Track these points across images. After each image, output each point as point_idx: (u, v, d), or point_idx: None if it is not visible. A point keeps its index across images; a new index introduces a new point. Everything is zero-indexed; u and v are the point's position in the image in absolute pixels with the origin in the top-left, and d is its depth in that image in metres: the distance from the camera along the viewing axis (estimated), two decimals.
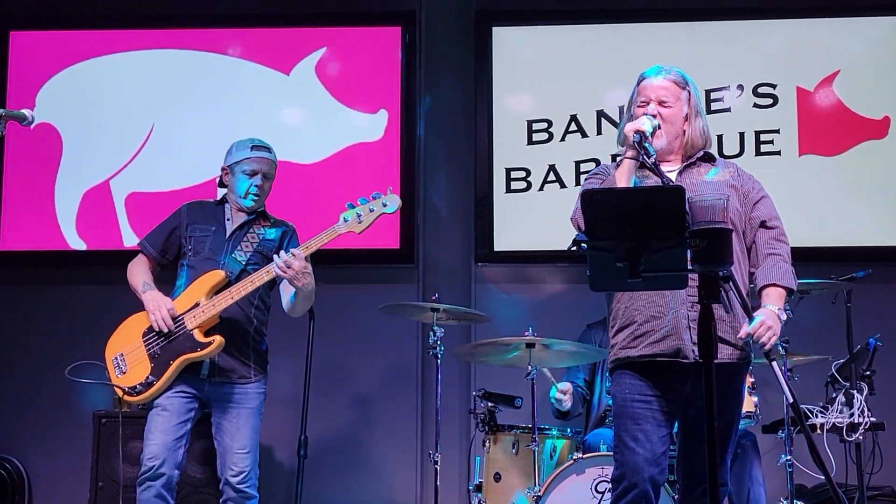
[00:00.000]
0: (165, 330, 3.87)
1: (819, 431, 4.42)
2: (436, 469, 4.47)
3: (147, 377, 3.89)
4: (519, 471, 4.32)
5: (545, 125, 5.72)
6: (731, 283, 2.73)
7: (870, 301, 5.06)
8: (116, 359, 3.98)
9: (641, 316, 3.21)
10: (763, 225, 3.32)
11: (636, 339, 3.21)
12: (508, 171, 5.70)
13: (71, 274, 5.75)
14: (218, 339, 3.86)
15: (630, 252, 2.48)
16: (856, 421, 4.38)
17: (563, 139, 5.70)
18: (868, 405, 4.42)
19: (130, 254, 5.05)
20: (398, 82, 5.78)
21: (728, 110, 5.65)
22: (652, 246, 2.48)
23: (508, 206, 5.67)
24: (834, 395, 4.52)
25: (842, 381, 4.52)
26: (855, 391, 4.44)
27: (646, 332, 3.19)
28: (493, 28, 5.80)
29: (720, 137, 5.57)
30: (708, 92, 5.62)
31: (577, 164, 5.66)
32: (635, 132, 3.19)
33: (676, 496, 3.40)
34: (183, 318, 3.90)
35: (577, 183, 5.53)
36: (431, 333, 4.57)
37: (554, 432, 4.44)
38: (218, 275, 3.95)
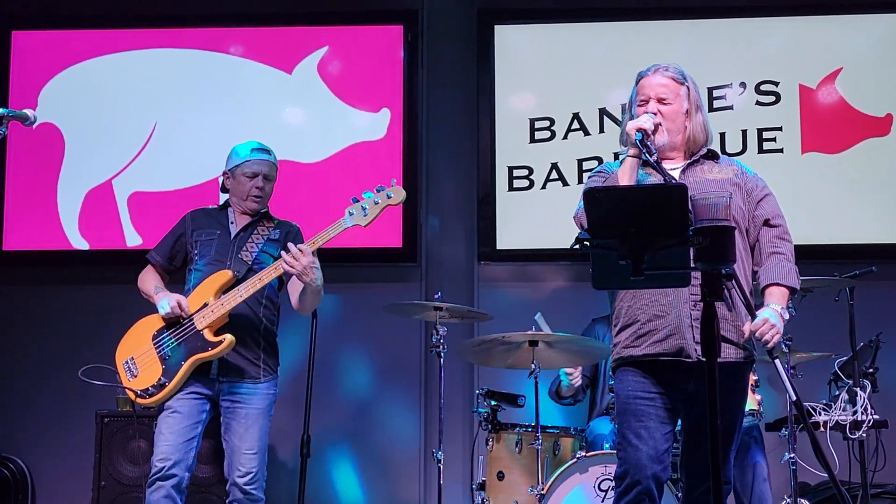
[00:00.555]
0: (178, 312, 3.88)
1: (822, 429, 4.42)
2: (439, 468, 4.47)
3: (159, 379, 3.90)
4: (522, 469, 4.33)
5: (547, 123, 5.72)
6: (733, 281, 2.72)
7: (873, 298, 5.06)
8: (127, 362, 4.00)
9: (644, 315, 3.21)
10: (766, 223, 3.32)
11: (639, 339, 3.21)
12: (511, 169, 5.70)
13: (74, 274, 5.75)
14: (228, 338, 3.87)
15: (633, 250, 2.47)
16: (859, 418, 4.38)
17: (565, 137, 5.70)
18: (871, 403, 4.42)
19: (133, 253, 5.08)
20: (400, 81, 5.77)
21: (730, 108, 5.64)
22: (655, 244, 2.47)
23: (511, 205, 5.67)
24: (837, 392, 4.51)
25: (845, 379, 4.52)
26: (858, 389, 4.44)
27: (648, 331, 3.19)
28: (496, 26, 5.80)
29: (723, 135, 5.57)
30: (710, 90, 5.62)
31: (580, 162, 5.65)
32: (637, 130, 3.19)
33: (680, 494, 3.40)
34: (192, 319, 3.91)
35: (580, 181, 5.53)
36: (434, 332, 4.57)
37: (557, 431, 4.45)
38: (225, 274, 3.96)
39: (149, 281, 4.15)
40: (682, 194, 2.50)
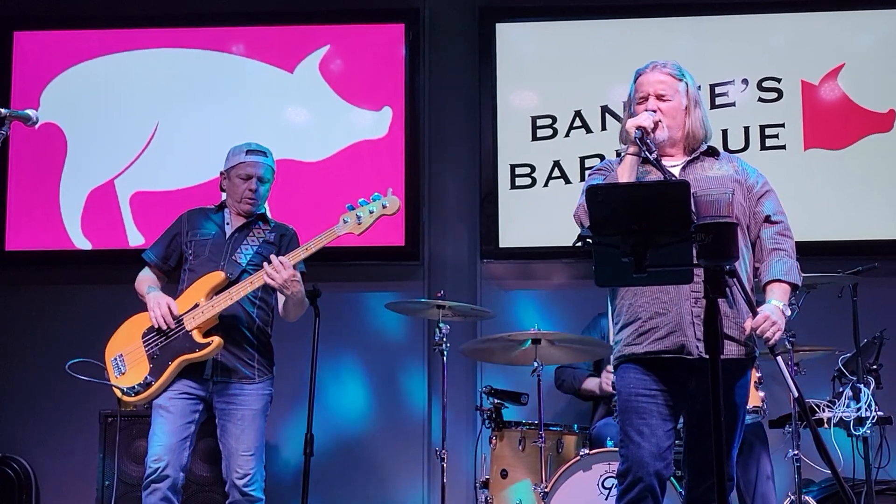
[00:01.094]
0: (164, 326, 3.88)
1: (826, 426, 4.41)
2: (443, 466, 4.47)
3: (146, 377, 3.90)
4: (525, 467, 4.33)
5: (549, 121, 5.72)
6: (735, 277, 2.72)
7: (876, 295, 5.05)
8: (116, 359, 4.00)
9: (645, 313, 3.21)
10: (768, 220, 3.32)
11: (640, 336, 3.21)
12: (513, 167, 5.70)
13: (76, 273, 5.76)
14: (216, 341, 3.87)
15: (635, 247, 2.47)
16: (863, 415, 4.37)
17: (567, 135, 5.70)
18: (875, 399, 4.41)
19: (136, 253, 5.05)
20: (402, 79, 5.77)
21: (733, 105, 5.64)
22: (657, 241, 2.47)
23: (513, 203, 5.66)
24: (841, 389, 4.51)
25: (848, 376, 4.52)
26: (862, 385, 4.43)
27: (650, 328, 3.19)
28: (497, 24, 5.79)
29: (725, 132, 5.56)
30: (712, 86, 5.62)
31: (582, 159, 5.65)
32: (637, 128, 3.19)
33: (683, 491, 3.40)
34: (182, 319, 3.90)
35: (582, 179, 5.52)
36: (437, 330, 4.56)
37: (560, 428, 4.45)
38: (218, 276, 3.96)
39: (143, 282, 4.15)
40: (684, 191, 2.50)
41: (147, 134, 5.81)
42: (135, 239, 5.71)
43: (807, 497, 4.38)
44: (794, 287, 3.25)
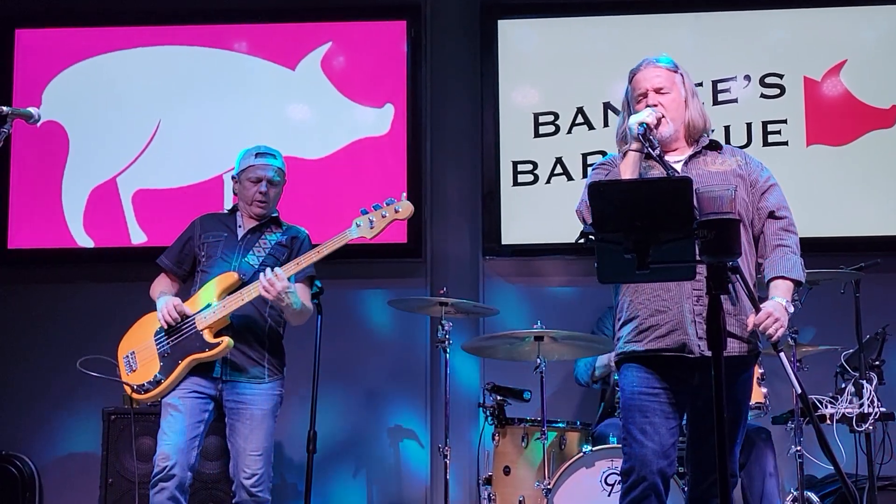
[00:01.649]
0: (170, 320, 3.89)
1: (829, 422, 4.41)
2: (445, 462, 4.48)
3: (155, 375, 3.91)
4: (528, 464, 4.33)
5: (552, 118, 5.71)
6: (738, 274, 2.72)
7: (878, 291, 5.05)
8: (128, 356, 4.02)
9: (646, 310, 3.20)
10: (772, 215, 3.30)
11: (641, 334, 3.20)
12: (515, 164, 5.70)
13: (79, 271, 5.76)
14: (226, 341, 3.87)
15: (638, 244, 2.47)
16: (865, 411, 4.37)
17: (569, 132, 5.70)
18: (878, 395, 4.41)
19: (138, 251, 5.08)
20: (404, 76, 5.77)
21: (735, 101, 5.63)
22: (660, 237, 2.47)
23: (515, 200, 5.66)
24: (843, 385, 4.50)
25: (851, 372, 4.51)
26: (864, 381, 4.42)
27: (650, 326, 3.19)
28: (499, 21, 5.79)
29: (727, 128, 5.56)
30: (715, 83, 5.62)
31: (584, 156, 5.65)
32: (639, 124, 3.18)
33: (686, 488, 3.39)
34: (194, 319, 3.91)
35: (584, 175, 5.52)
36: (440, 327, 4.57)
37: (563, 425, 4.45)
38: (231, 276, 3.97)
39: (157, 288, 4.18)
40: (687, 187, 2.50)
41: (149, 132, 5.81)
42: (137, 237, 5.71)
43: (809, 493, 4.38)
44: (797, 284, 3.24)
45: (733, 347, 3.14)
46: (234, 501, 3.96)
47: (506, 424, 4.42)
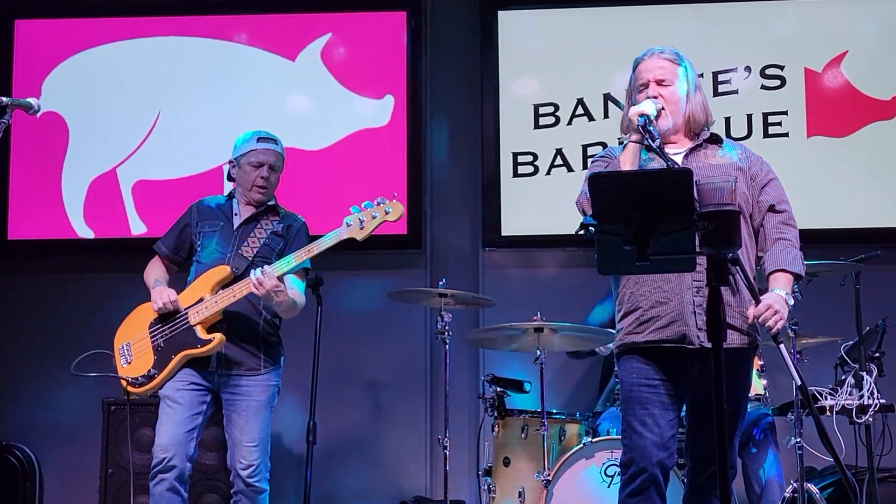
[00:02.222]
0: (161, 305, 3.88)
1: (829, 414, 4.41)
2: (445, 454, 4.47)
3: (149, 370, 3.92)
4: (528, 455, 4.33)
5: (552, 109, 5.70)
6: (738, 266, 2.71)
7: (879, 283, 5.05)
8: (123, 347, 4.01)
9: (647, 301, 3.20)
10: (772, 209, 3.30)
11: (641, 325, 3.20)
12: (515, 155, 5.69)
13: (79, 262, 5.77)
14: (218, 337, 3.87)
15: (638, 235, 2.47)
16: (865, 403, 4.36)
17: (569, 123, 5.69)
18: (878, 387, 4.41)
19: (138, 242, 5.06)
20: (404, 67, 5.76)
21: (736, 92, 5.62)
22: (660, 229, 2.46)
23: (515, 191, 5.66)
24: (843, 377, 4.50)
25: (851, 363, 4.51)
26: (864, 373, 4.42)
27: (651, 317, 3.19)
28: (499, 12, 5.78)
29: (728, 120, 5.55)
30: (715, 74, 5.61)
31: (585, 147, 5.64)
32: (639, 115, 3.17)
33: (685, 479, 3.40)
34: (187, 313, 3.91)
35: (585, 167, 5.52)
36: (439, 319, 4.56)
37: (563, 416, 4.45)
38: (223, 270, 3.94)
39: (152, 273, 4.15)
40: (687, 179, 2.49)
41: (149, 122, 5.81)
42: (137, 227, 5.71)
43: (809, 485, 4.38)
44: (797, 277, 3.24)
45: (733, 339, 3.14)
46: (232, 491, 3.97)
47: (505, 416, 4.42)
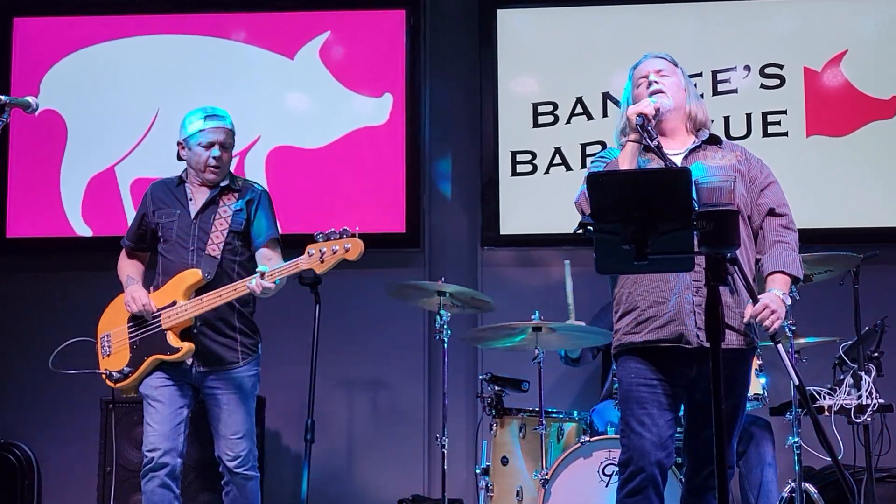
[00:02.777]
0: (135, 311, 3.88)
1: (827, 413, 4.41)
2: (443, 453, 4.47)
3: (124, 367, 3.94)
4: (526, 454, 4.33)
5: (551, 108, 5.70)
6: (736, 266, 2.71)
7: (877, 282, 5.05)
8: (104, 338, 4.04)
9: (645, 301, 3.20)
10: (771, 212, 3.30)
11: (639, 325, 3.20)
12: (514, 154, 5.69)
13: (77, 260, 5.76)
14: (187, 346, 3.85)
15: (636, 234, 2.46)
16: (864, 403, 4.37)
17: (568, 122, 5.68)
18: (876, 387, 4.41)
19: None
20: (403, 66, 5.76)
21: (735, 91, 5.62)
22: (658, 228, 2.46)
23: (514, 190, 5.66)
24: (842, 376, 4.50)
25: (849, 363, 4.51)
26: (863, 373, 4.42)
27: (649, 317, 3.19)
28: (498, 10, 5.78)
29: (727, 119, 5.55)
30: (714, 73, 5.60)
31: (583, 146, 5.64)
32: (638, 115, 3.17)
33: (683, 479, 3.40)
34: (160, 315, 3.89)
35: (583, 166, 5.51)
36: (438, 317, 4.56)
37: (561, 416, 4.45)
38: (195, 275, 3.89)
39: (124, 269, 4.14)
40: (686, 178, 2.49)
41: (147, 120, 5.80)
42: None
43: (807, 485, 4.38)
44: (795, 280, 3.25)
45: (731, 340, 3.14)
46: (223, 482, 3.98)
47: (504, 415, 4.42)
